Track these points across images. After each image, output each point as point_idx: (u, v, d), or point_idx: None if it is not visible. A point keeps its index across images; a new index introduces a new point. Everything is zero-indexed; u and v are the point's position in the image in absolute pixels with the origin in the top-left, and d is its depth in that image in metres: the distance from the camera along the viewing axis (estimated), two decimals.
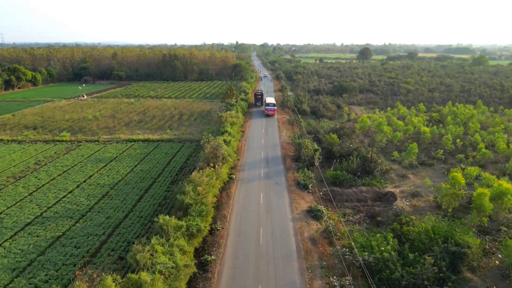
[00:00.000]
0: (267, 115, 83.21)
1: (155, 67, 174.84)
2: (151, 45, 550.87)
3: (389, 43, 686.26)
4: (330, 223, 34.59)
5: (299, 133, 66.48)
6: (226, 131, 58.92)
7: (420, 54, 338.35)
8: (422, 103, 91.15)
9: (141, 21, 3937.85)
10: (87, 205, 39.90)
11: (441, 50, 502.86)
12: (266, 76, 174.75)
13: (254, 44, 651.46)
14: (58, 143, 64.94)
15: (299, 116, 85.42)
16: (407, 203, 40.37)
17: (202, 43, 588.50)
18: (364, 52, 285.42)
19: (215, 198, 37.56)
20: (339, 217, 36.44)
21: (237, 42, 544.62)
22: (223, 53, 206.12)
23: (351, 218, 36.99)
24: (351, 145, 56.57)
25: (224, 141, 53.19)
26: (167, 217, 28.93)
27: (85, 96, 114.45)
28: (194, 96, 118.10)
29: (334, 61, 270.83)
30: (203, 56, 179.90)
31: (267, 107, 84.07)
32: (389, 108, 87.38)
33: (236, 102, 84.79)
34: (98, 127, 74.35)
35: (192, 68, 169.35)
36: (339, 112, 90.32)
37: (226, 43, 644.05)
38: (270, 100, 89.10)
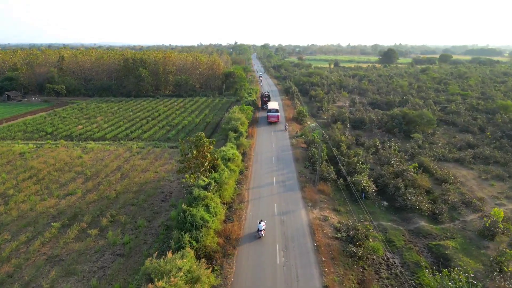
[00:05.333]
0: (270, 122, 75.09)
1: (116, 76, 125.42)
2: (145, 46, 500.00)
3: (399, 44, 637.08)
4: None
5: None
6: None
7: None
8: None
9: (139, 21, 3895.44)
10: None
11: (462, 52, 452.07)
12: (261, 76, 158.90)
13: (255, 45, 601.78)
14: None
15: (366, 214, 35.68)
16: None
17: (199, 44, 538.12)
18: (389, 54, 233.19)
19: None
20: None
21: (235, 43, 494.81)
22: (214, 57, 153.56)
23: None
24: None
25: None
26: None
27: None
28: (149, 134, 68.10)
29: (352, 65, 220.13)
30: (183, 61, 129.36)
31: (269, 113, 75.92)
32: None
33: (211, 181, 34.55)
34: None
35: (166, 78, 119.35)
36: (439, 194, 40.71)
37: (224, 43, 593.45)
38: (273, 105, 79.58)
